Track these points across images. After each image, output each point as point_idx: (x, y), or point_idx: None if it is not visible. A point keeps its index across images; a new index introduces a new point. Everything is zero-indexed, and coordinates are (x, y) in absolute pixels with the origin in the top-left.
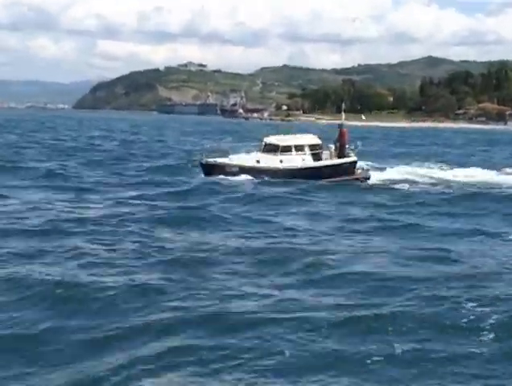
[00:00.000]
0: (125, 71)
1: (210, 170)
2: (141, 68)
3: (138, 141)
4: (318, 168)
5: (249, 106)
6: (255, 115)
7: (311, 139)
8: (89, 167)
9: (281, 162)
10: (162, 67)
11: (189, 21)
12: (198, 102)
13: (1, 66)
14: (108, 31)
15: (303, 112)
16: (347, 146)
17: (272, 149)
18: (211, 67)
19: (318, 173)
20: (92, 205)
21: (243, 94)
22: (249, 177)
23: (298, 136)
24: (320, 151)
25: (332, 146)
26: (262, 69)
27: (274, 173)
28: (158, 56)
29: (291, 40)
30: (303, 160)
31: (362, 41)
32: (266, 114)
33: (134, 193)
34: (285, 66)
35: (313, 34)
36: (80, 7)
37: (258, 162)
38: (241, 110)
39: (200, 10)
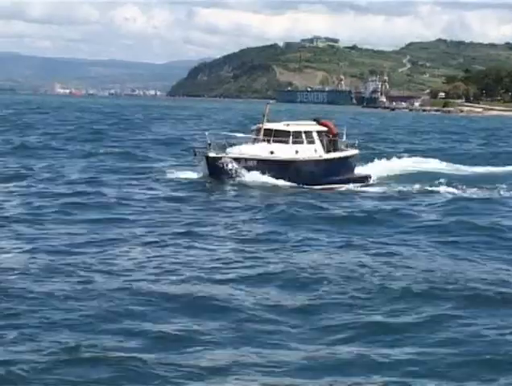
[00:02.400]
0: (234, 49)
1: (218, 165)
2: (253, 45)
3: None
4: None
5: (394, 93)
6: (403, 104)
7: (314, 126)
8: None
9: (297, 152)
10: (280, 43)
11: None
12: (327, 88)
13: (76, 43)
14: None
15: (467, 101)
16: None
17: (279, 137)
18: (343, 42)
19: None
20: None
21: (386, 77)
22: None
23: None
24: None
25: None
26: (410, 45)
27: (316, 163)
28: (276, 29)
29: (447, 6)
30: (316, 151)
31: None
32: (417, 103)
33: None
34: (440, 40)
35: None
36: None
37: (272, 153)
38: (383, 98)
39: None
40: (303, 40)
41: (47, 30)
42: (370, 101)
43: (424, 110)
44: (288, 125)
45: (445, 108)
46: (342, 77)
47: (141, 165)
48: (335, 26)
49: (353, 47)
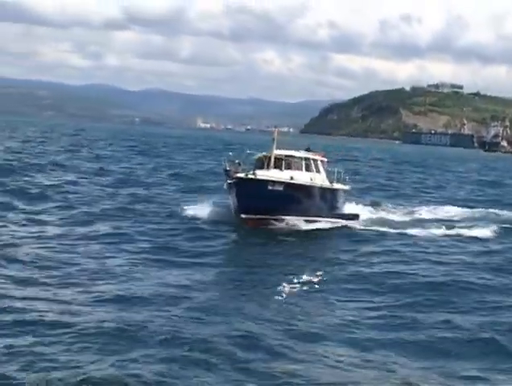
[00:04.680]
0: (363, 91)
1: (247, 185)
2: (381, 88)
3: None
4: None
5: None
6: None
7: (317, 155)
8: None
9: (311, 180)
10: (407, 88)
11: (442, 32)
12: (450, 131)
13: (219, 82)
14: (343, 44)
15: None
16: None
17: (291, 163)
18: (467, 89)
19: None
20: None
21: (507, 123)
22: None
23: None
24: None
25: None
26: None
27: (329, 193)
28: (403, 74)
29: None
30: (323, 181)
31: None
32: None
33: None
34: None
35: None
36: (311, 15)
37: (292, 178)
38: (504, 143)
39: (457, 19)
40: (428, 85)
41: (192, 70)
42: (492, 145)
43: None
44: (299, 151)
45: None
46: (465, 122)
47: None
48: (459, 74)
49: (477, 94)
